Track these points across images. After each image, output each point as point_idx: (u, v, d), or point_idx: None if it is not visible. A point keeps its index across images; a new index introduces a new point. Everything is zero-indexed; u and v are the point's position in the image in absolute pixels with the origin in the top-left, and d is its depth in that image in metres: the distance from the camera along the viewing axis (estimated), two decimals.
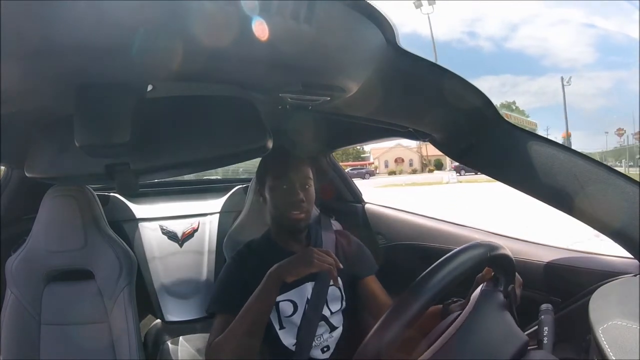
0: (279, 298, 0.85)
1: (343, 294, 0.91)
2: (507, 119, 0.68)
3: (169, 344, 1.31)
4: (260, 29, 0.34)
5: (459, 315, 0.56)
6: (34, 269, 1.02)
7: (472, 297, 0.58)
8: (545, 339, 0.56)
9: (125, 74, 0.39)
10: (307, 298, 0.86)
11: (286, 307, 0.86)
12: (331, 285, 0.89)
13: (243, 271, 0.87)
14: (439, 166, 32.53)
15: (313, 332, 0.85)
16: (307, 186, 0.86)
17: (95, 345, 1.00)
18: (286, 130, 1.00)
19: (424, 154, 34.46)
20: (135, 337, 0.99)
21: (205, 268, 1.40)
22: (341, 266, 0.77)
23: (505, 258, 0.60)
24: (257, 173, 0.93)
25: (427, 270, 0.52)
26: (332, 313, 0.88)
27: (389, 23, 0.45)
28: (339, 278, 0.91)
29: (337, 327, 0.89)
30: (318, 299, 0.86)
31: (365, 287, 0.92)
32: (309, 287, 0.87)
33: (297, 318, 0.85)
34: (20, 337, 0.97)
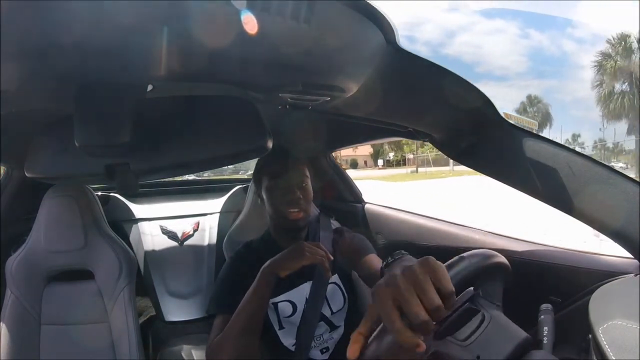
0: (277, 299, 0.85)
1: (344, 293, 0.91)
2: (507, 119, 0.68)
3: (174, 345, 1.31)
4: (250, 23, 0.34)
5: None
6: (34, 269, 1.02)
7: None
8: (545, 339, 0.55)
9: (125, 74, 0.39)
10: (306, 298, 0.86)
11: (285, 308, 0.86)
12: (330, 284, 0.89)
13: (242, 271, 0.87)
14: (354, 165, 34.01)
15: (312, 332, 0.85)
16: (303, 184, 0.86)
17: (95, 345, 1.00)
18: (286, 131, 1.00)
19: (339, 153, 35.12)
20: (135, 337, 0.99)
21: (205, 268, 1.40)
22: (332, 257, 0.78)
23: (501, 266, 0.60)
24: (254, 174, 0.93)
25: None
26: (332, 313, 0.88)
27: (389, 23, 0.45)
28: (337, 276, 0.91)
29: (338, 327, 0.89)
30: (316, 298, 0.86)
31: (367, 265, 0.89)
32: (307, 286, 0.87)
33: (297, 318, 0.85)
34: (20, 337, 0.97)
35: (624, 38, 21.10)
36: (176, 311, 1.33)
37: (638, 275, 0.63)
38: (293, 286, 0.87)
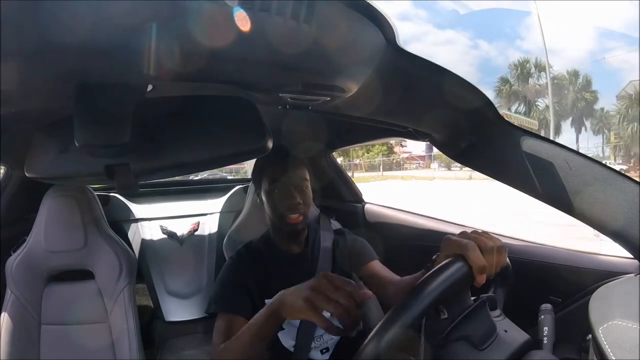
0: None
1: None
2: (507, 119, 0.68)
3: (174, 345, 1.31)
4: (242, 20, 0.34)
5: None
6: (34, 269, 1.02)
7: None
8: (545, 339, 0.55)
9: (125, 74, 0.39)
10: None
11: None
12: None
13: (242, 271, 0.87)
14: None
15: (311, 333, 0.84)
16: (303, 188, 0.86)
17: (95, 345, 1.00)
18: (286, 130, 1.00)
19: None
20: (135, 337, 0.99)
21: (205, 268, 1.40)
22: (362, 300, 0.62)
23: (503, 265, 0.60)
24: (253, 175, 0.93)
25: (428, 273, 0.52)
26: (332, 314, 0.88)
27: (389, 23, 0.45)
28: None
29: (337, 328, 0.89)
30: None
31: (370, 271, 0.90)
32: None
33: (297, 320, 0.85)
34: (20, 337, 0.97)
35: (523, 64, 22.72)
36: (176, 311, 1.33)
37: (638, 275, 0.63)
38: (292, 285, 0.87)
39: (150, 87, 0.47)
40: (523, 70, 22.33)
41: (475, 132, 0.70)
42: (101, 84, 0.40)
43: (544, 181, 0.64)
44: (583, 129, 21.25)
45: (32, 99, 0.47)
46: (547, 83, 21.21)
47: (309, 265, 0.90)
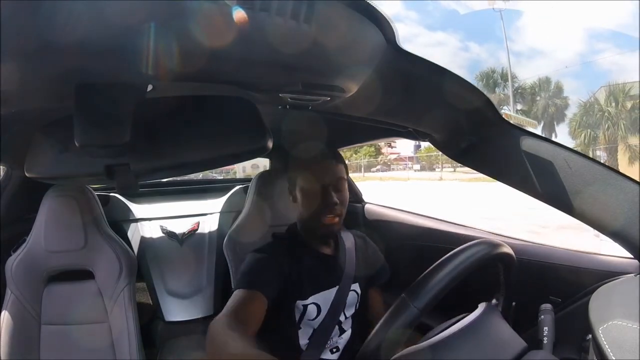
0: (307, 301, 0.81)
1: (358, 300, 0.89)
2: (507, 119, 0.68)
3: (173, 345, 1.31)
4: (240, 17, 0.34)
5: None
6: (34, 269, 1.02)
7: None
8: (545, 339, 0.56)
9: (125, 74, 0.39)
10: (332, 302, 0.83)
11: (312, 310, 0.82)
12: (351, 291, 0.87)
13: (274, 257, 0.80)
14: None
15: (328, 336, 0.83)
16: (340, 187, 0.80)
17: (95, 345, 1.00)
18: (286, 130, 1.00)
19: None
20: (135, 337, 0.99)
21: (205, 268, 1.40)
22: None
23: (507, 256, 0.60)
24: (289, 171, 0.87)
25: (427, 271, 0.52)
26: (346, 318, 0.87)
27: (389, 23, 0.45)
28: (357, 284, 0.88)
29: (346, 331, 0.88)
30: (339, 304, 0.84)
31: (374, 299, 0.92)
32: (334, 291, 0.84)
33: (317, 321, 0.83)
34: (20, 337, 0.97)
35: (490, 75, 23.05)
36: (176, 311, 1.33)
37: (638, 275, 0.63)
38: (323, 288, 0.83)
39: (150, 87, 0.47)
40: (489, 81, 22.84)
41: (475, 132, 0.70)
42: (101, 84, 0.40)
43: (544, 181, 0.64)
44: (553, 134, 21.54)
45: (32, 99, 0.47)
46: (511, 92, 21.81)
47: (337, 268, 0.86)
